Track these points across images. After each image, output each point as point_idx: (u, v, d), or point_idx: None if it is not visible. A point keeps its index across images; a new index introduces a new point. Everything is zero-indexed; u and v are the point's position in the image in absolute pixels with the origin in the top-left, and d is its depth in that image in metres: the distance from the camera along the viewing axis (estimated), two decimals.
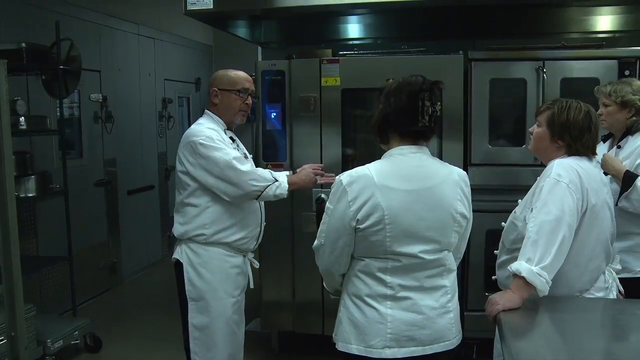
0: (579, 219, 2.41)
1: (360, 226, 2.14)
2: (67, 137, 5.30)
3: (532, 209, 2.44)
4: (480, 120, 4.05)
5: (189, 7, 4.02)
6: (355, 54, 4.39)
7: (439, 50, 4.16)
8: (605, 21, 4.83)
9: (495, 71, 4.06)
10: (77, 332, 4.48)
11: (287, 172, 3.23)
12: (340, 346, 2.26)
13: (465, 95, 4.02)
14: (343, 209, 2.16)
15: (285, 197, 3.11)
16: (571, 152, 2.53)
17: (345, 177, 2.19)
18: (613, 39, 4.77)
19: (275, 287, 4.35)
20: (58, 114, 4.84)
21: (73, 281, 4.77)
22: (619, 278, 2.97)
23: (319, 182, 3.26)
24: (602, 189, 2.54)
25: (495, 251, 2.78)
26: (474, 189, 3.98)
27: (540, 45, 4.17)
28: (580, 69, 4.01)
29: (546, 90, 3.95)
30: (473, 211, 4.06)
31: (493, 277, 2.75)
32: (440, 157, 3.88)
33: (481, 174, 4.03)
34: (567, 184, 2.38)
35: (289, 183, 3.10)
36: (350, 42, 5.22)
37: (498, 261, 2.70)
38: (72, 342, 4.46)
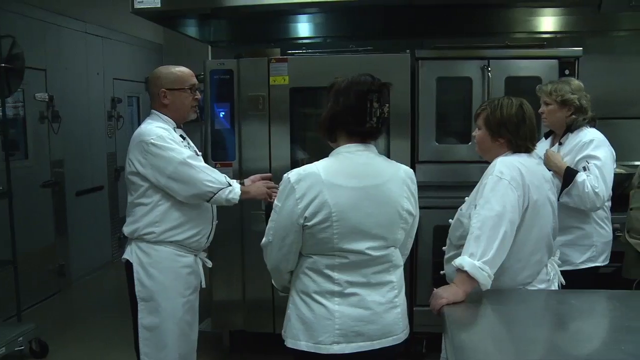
0: (521, 215, 2.48)
1: (308, 223, 2.16)
2: (11, 137, 5.17)
3: (475, 205, 2.50)
4: (427, 118, 4.11)
5: (137, 6, 3.97)
6: (304, 53, 4.41)
7: (387, 49, 4.21)
8: (548, 22, 4.97)
9: (442, 70, 4.13)
10: (21, 338, 4.37)
11: (236, 181, 3.21)
12: (290, 343, 2.28)
13: (413, 94, 4.09)
14: (291, 207, 2.17)
15: (236, 203, 3.09)
16: (512, 147, 2.60)
17: (293, 174, 2.20)
18: (555, 39, 4.91)
19: (225, 287, 4.34)
20: (0, 113, 4.71)
21: (17, 285, 4.65)
22: (561, 270, 3.07)
23: (269, 200, 3.17)
24: (544, 185, 2.61)
25: (443, 247, 2.84)
26: (422, 186, 4.05)
27: (485, 45, 4.26)
28: (523, 67, 4.12)
29: (491, 89, 4.04)
30: (421, 208, 4.11)
31: (441, 272, 2.81)
32: (388, 155, 3.94)
33: (428, 171, 4.10)
34: (508, 181, 2.45)
35: (242, 191, 3.09)
36: (300, 42, 5.25)
37: (445, 257, 2.75)
38: (17, 349, 4.34)
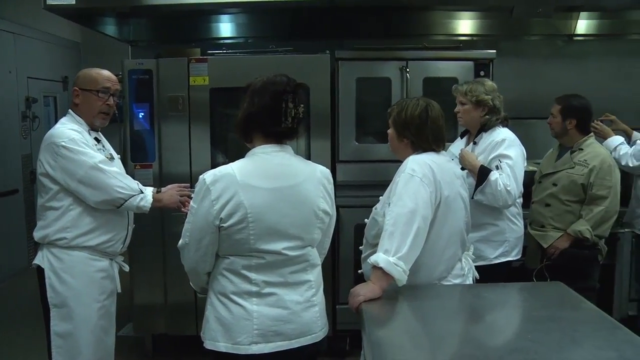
0: (433, 211, 2.54)
1: (224, 225, 2.15)
2: None
3: (389, 203, 2.54)
4: (347, 118, 4.17)
5: (49, 2, 3.85)
6: (224, 53, 4.37)
7: (307, 50, 4.23)
8: (465, 25, 5.12)
9: (362, 70, 4.20)
10: None
11: (152, 189, 3.14)
12: (208, 344, 2.27)
13: (333, 94, 4.13)
14: (206, 208, 2.17)
15: (147, 211, 3.03)
16: (415, 148, 2.66)
17: (208, 176, 2.20)
18: (471, 42, 5.05)
19: (146, 290, 4.26)
20: None
21: None
22: (476, 265, 3.17)
23: (181, 210, 3.10)
24: (455, 182, 2.68)
25: (360, 246, 2.88)
26: (343, 186, 4.17)
27: (404, 46, 4.34)
28: (440, 69, 4.23)
29: (410, 89, 4.13)
30: (342, 207, 4.22)
31: (359, 270, 2.84)
32: (309, 155, 3.99)
33: (349, 171, 4.17)
34: (420, 178, 2.50)
35: (154, 199, 3.03)
36: (222, 42, 5.20)
37: (363, 255, 2.78)
38: None
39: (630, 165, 4.08)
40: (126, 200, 2.94)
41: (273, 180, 2.21)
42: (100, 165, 2.88)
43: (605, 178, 3.58)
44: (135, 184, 3.00)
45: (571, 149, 3.73)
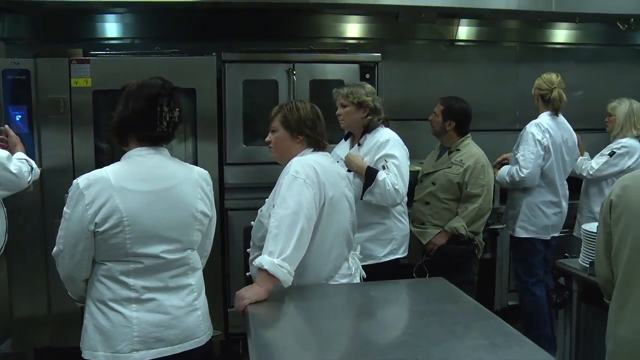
0: (317, 212, 2.57)
1: (99, 229, 2.10)
2: None
3: (273, 205, 2.55)
4: (234, 120, 4.14)
5: None
6: (107, 54, 4.23)
7: (195, 52, 4.17)
8: (352, 29, 5.23)
9: (249, 73, 4.18)
10: None
11: None
12: (87, 354, 2.20)
13: (220, 97, 4.09)
14: (80, 213, 2.11)
15: None
16: (312, 143, 2.71)
17: (81, 180, 2.14)
18: (359, 44, 5.15)
19: (28, 302, 4.04)
20: None
21: None
22: (366, 264, 3.23)
23: None
24: (340, 182, 2.73)
25: (248, 249, 2.87)
26: (231, 188, 4.15)
27: (290, 49, 4.36)
28: (327, 71, 4.28)
29: (296, 91, 4.15)
30: (230, 209, 4.19)
31: (247, 273, 2.83)
32: (195, 158, 3.93)
33: (237, 173, 4.14)
34: (304, 180, 2.53)
35: None
36: (107, 42, 5.03)
37: (250, 258, 2.78)
38: None
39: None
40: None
41: (148, 183, 2.17)
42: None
43: (479, 177, 3.75)
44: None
45: (449, 150, 3.89)
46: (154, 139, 2.23)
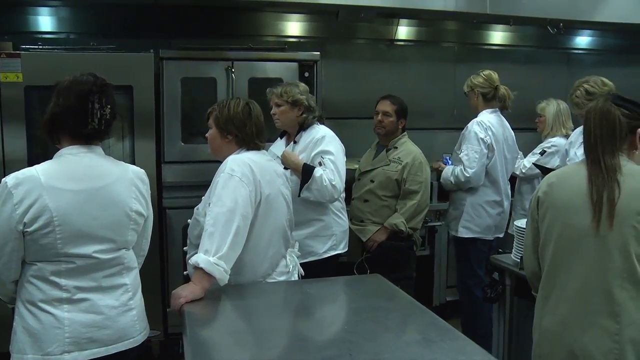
0: (253, 210, 2.57)
1: (29, 229, 2.05)
2: None
3: (209, 203, 2.54)
4: (172, 118, 4.09)
5: None
6: (40, 48, 4.11)
7: (132, 49, 4.10)
8: (293, 27, 5.24)
9: (187, 70, 4.14)
10: None
11: None
12: (15, 357, 2.14)
13: (157, 94, 4.04)
14: (9, 213, 2.05)
15: None
16: (240, 143, 2.70)
17: (10, 179, 2.09)
18: (299, 43, 5.17)
19: None
20: None
21: None
22: (307, 261, 3.25)
23: None
24: (276, 180, 2.74)
25: (184, 247, 2.85)
26: (169, 187, 4.10)
27: (229, 47, 4.34)
28: (266, 69, 4.28)
29: (235, 89, 4.14)
30: (169, 208, 4.14)
31: (185, 272, 2.81)
32: (133, 157, 3.87)
33: (176, 172, 4.11)
34: (239, 177, 2.52)
35: None
36: (40, 36, 4.89)
37: (187, 257, 2.76)
38: None
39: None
40: None
41: (80, 182, 2.13)
42: None
43: (417, 174, 3.83)
44: None
45: (386, 147, 3.94)
46: (87, 137, 2.19)
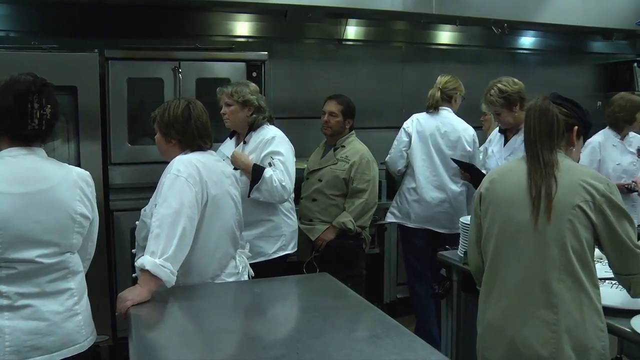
0: (200, 211, 2.55)
1: None
2: None
3: (155, 204, 2.52)
4: (118, 119, 4.03)
5: None
6: None
7: (76, 48, 4.02)
8: (241, 27, 5.22)
9: (133, 71, 4.09)
10: None
11: None
12: None
13: (103, 95, 3.98)
14: None
15: None
16: (183, 147, 2.68)
17: None
18: (247, 43, 5.15)
19: None
20: None
21: None
22: (256, 262, 3.24)
23: None
24: (224, 181, 2.73)
25: (132, 250, 2.82)
26: (117, 189, 4.04)
27: (176, 47, 4.31)
28: (213, 69, 4.26)
29: (182, 90, 4.11)
30: (117, 211, 4.08)
31: (133, 275, 2.77)
32: (78, 158, 3.80)
33: (123, 174, 4.05)
34: (185, 178, 2.51)
35: None
36: None
37: (135, 259, 2.73)
38: None
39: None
40: None
41: (22, 185, 2.08)
42: None
43: (365, 172, 3.89)
44: None
45: (334, 146, 3.97)
46: (27, 139, 2.14)
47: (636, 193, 4.43)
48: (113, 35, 4.58)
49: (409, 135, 4.18)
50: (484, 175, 3.76)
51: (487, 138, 4.82)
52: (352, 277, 3.49)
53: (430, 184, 4.18)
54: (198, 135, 2.68)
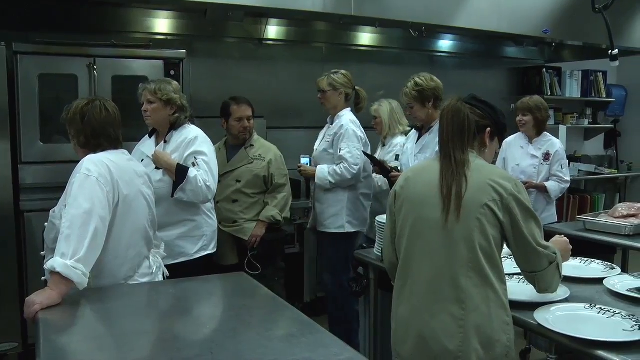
0: (111, 211, 2.50)
1: None
2: None
3: (65, 205, 2.46)
4: (29, 116, 3.90)
5: None
6: None
7: None
8: (161, 24, 5.15)
9: (45, 66, 3.96)
10: None
11: None
12: None
13: (12, 91, 3.84)
14: None
15: None
16: (90, 148, 2.62)
17: None
18: (166, 41, 5.08)
19: None
20: None
21: None
22: (178, 262, 3.21)
23: None
24: (136, 180, 2.68)
25: (42, 252, 2.73)
26: (28, 189, 3.91)
27: (91, 43, 4.20)
28: (130, 67, 4.19)
29: (97, 87, 4.02)
30: (28, 211, 3.95)
31: (43, 278, 2.69)
32: None
33: (34, 173, 3.93)
34: (96, 178, 2.45)
35: None
36: None
37: (45, 262, 2.64)
38: None
39: None
40: None
41: None
42: None
43: (281, 168, 4.05)
44: None
45: (244, 146, 4.03)
46: None
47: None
48: (24, 29, 4.42)
49: (365, 144, 4.19)
50: (388, 169, 3.90)
51: (382, 142, 4.90)
52: (281, 270, 3.59)
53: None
54: (92, 135, 2.61)
